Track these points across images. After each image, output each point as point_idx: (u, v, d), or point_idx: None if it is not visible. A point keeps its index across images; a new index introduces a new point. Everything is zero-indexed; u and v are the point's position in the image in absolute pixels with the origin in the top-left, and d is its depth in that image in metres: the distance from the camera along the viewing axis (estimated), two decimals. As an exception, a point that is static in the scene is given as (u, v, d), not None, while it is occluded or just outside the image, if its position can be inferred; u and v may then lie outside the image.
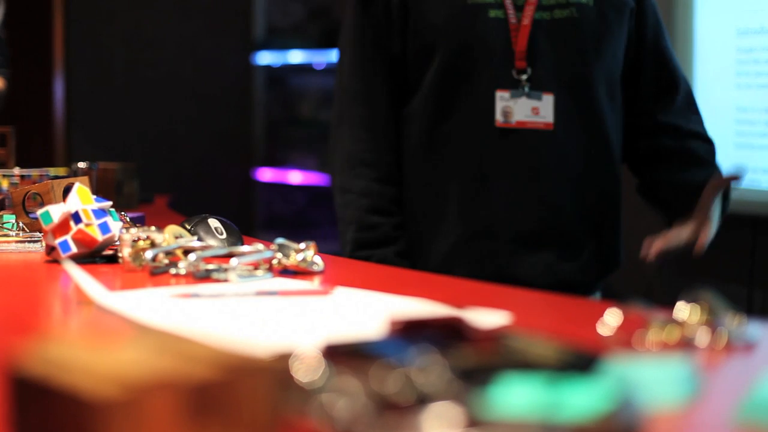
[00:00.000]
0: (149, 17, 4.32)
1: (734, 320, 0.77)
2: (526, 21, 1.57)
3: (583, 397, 0.51)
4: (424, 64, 1.61)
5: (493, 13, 1.57)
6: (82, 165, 2.00)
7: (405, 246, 1.64)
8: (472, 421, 0.49)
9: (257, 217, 4.72)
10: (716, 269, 2.64)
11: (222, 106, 4.50)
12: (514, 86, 1.57)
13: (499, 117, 1.57)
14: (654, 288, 2.73)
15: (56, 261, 1.21)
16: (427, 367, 0.53)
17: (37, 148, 3.99)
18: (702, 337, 0.76)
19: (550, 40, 1.58)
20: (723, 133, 2.63)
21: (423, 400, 0.51)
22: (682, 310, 0.78)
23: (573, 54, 1.60)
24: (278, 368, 0.51)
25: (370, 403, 0.51)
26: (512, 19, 1.57)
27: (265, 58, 4.66)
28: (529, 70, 1.57)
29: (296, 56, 4.62)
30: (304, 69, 4.73)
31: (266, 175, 4.68)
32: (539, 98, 1.57)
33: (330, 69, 4.65)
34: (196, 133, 4.42)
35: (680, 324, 0.77)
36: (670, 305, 0.80)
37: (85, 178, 1.32)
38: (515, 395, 0.51)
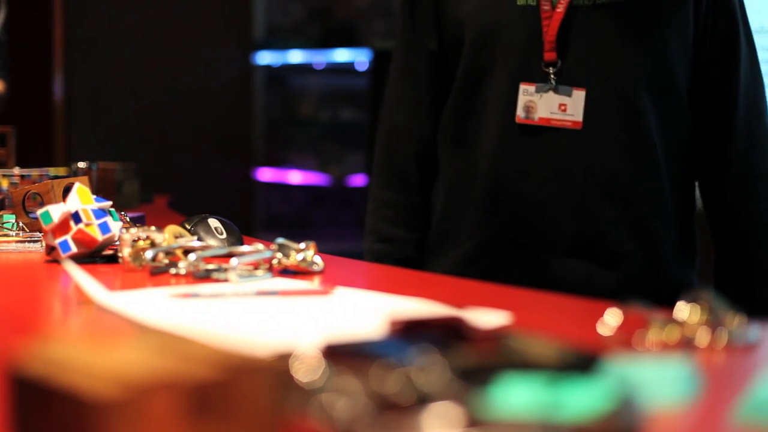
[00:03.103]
0: (149, 17, 4.32)
1: (734, 320, 0.77)
2: (560, 8, 1.42)
3: (583, 397, 0.51)
4: (456, 59, 1.51)
5: (521, 1, 1.44)
6: (82, 165, 2.00)
7: (420, 267, 1.57)
8: (472, 421, 0.49)
9: (257, 217, 4.72)
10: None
11: (222, 106, 4.50)
12: (541, 80, 1.43)
13: (520, 112, 1.44)
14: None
15: (56, 261, 1.21)
16: (427, 367, 0.53)
17: (37, 148, 3.98)
18: (702, 337, 0.76)
19: (588, 29, 1.43)
20: (723, 133, 2.63)
21: (423, 400, 0.51)
22: (682, 310, 0.78)
23: (613, 43, 1.43)
24: (278, 368, 0.51)
25: (370, 403, 0.51)
26: (545, 6, 1.43)
27: (265, 58, 4.66)
28: (558, 63, 1.43)
29: (296, 56, 4.62)
30: (304, 69, 4.74)
31: (266, 175, 4.68)
32: (569, 94, 1.42)
33: (330, 69, 4.65)
34: (196, 132, 4.43)
35: (680, 324, 0.77)
36: (670, 305, 0.80)
37: (85, 178, 1.32)
38: (515, 395, 0.51)
